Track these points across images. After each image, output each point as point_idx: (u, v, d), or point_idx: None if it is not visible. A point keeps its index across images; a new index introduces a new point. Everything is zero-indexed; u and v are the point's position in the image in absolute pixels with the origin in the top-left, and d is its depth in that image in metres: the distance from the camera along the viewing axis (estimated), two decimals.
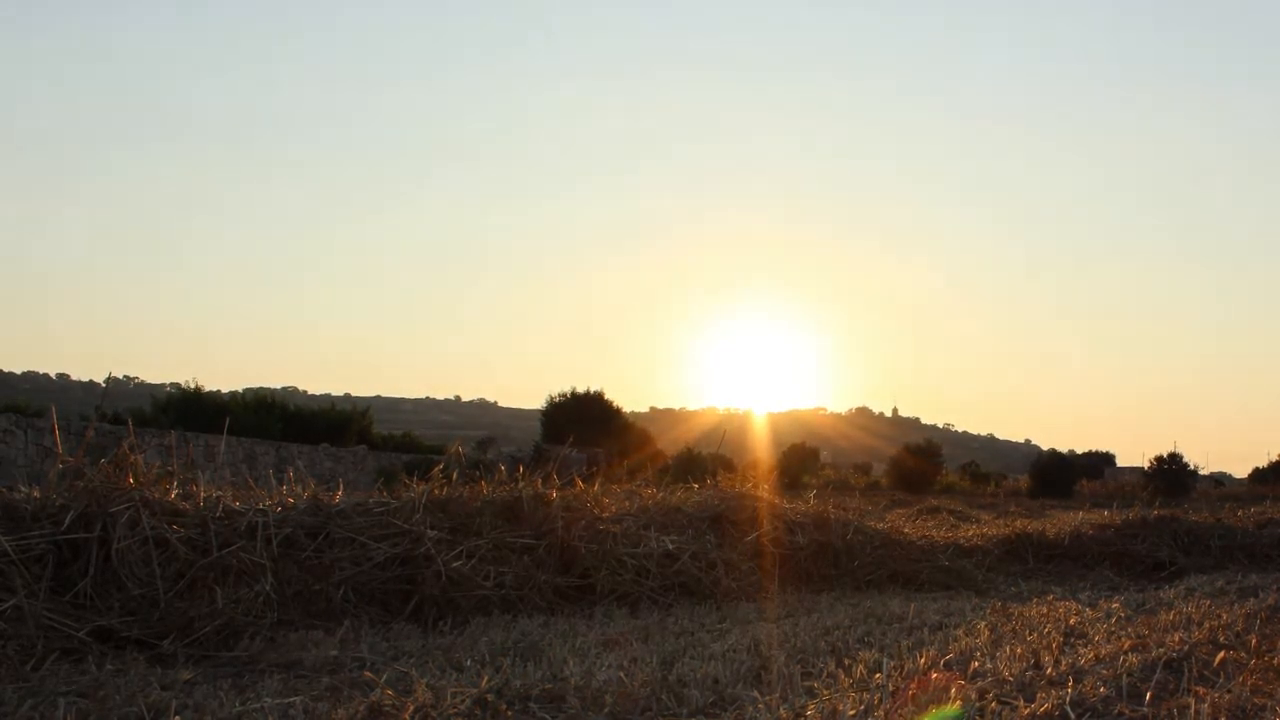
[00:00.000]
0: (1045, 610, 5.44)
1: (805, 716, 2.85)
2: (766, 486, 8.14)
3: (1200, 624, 4.58)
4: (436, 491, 6.09)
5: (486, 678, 3.40)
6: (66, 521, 4.52)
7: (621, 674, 3.45)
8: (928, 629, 4.70)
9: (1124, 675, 3.24)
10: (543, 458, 10.73)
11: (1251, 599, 5.82)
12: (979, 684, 3.13)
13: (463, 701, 3.08)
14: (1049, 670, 3.39)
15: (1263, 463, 51.49)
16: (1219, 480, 54.02)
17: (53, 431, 14.72)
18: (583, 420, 37.79)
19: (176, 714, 2.97)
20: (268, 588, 4.74)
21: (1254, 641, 4.04)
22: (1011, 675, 3.27)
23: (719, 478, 8.46)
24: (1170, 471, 41.44)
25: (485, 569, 5.55)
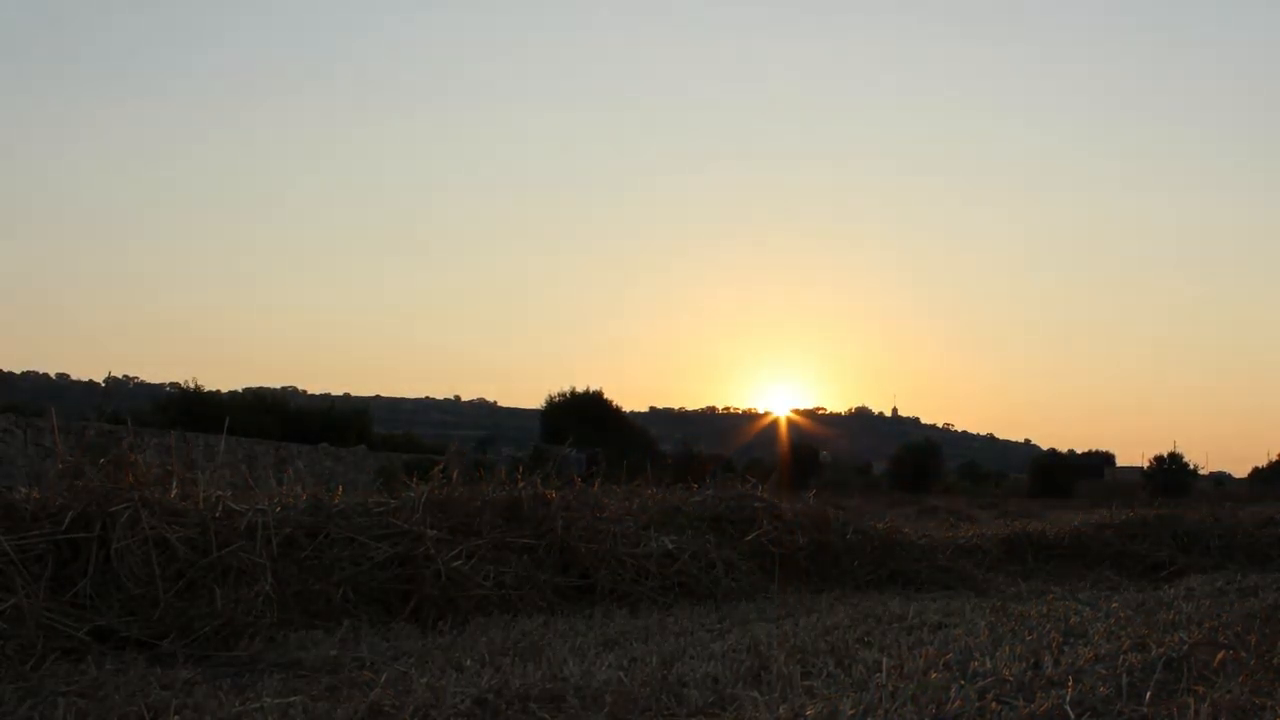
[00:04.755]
0: (1045, 610, 5.43)
1: (805, 716, 2.85)
2: (766, 486, 8.14)
3: (1200, 624, 4.58)
4: (436, 491, 6.09)
5: (486, 678, 3.40)
6: (66, 521, 4.51)
7: (621, 674, 3.44)
8: (928, 629, 4.70)
9: (1124, 675, 3.24)
10: (542, 458, 10.72)
11: (1251, 599, 5.82)
12: (979, 684, 3.13)
13: (462, 701, 3.08)
14: (1049, 670, 3.39)
15: (1263, 463, 51.56)
16: (1219, 480, 54.01)
17: (53, 431, 14.72)
18: (583, 420, 37.81)
19: (176, 714, 2.97)
20: (267, 588, 4.74)
21: (1254, 641, 4.04)
22: (1011, 675, 3.27)
23: (718, 478, 8.47)
24: (1170, 471, 41.49)
25: (485, 569, 5.55)
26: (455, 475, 6.48)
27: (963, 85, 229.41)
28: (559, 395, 42.31)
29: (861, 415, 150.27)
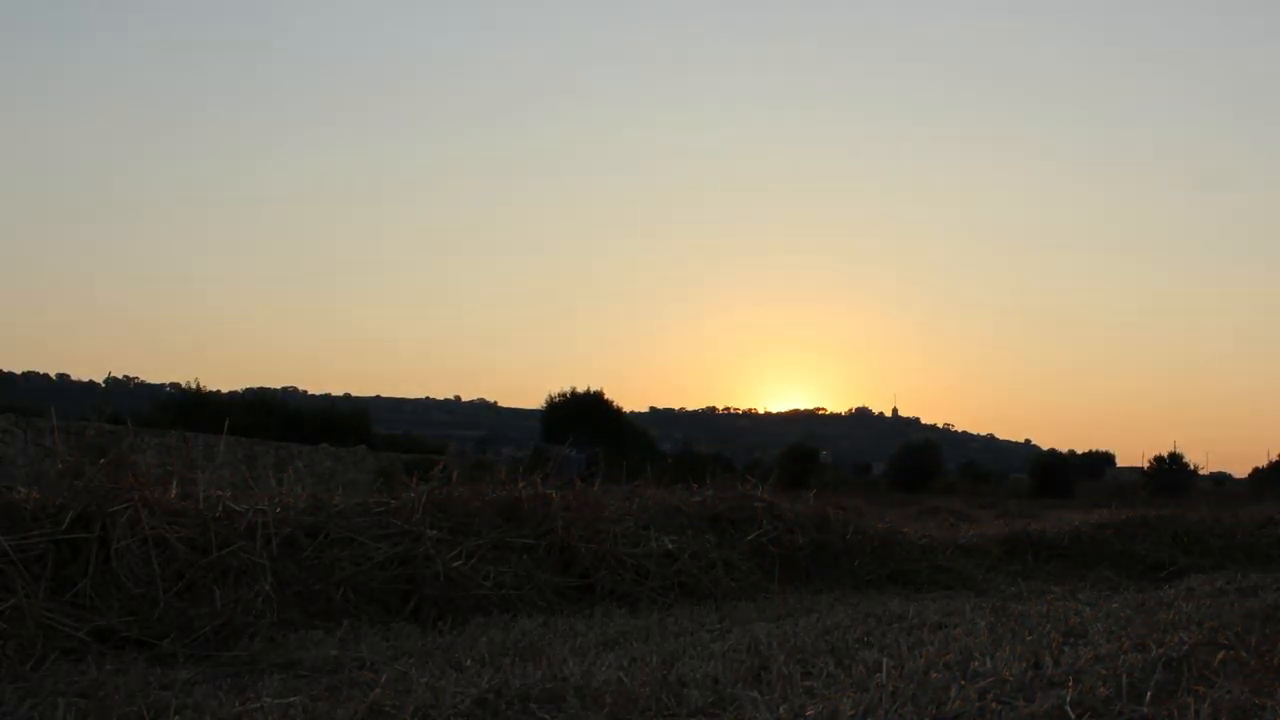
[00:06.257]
0: (1045, 610, 5.43)
1: (805, 716, 2.85)
2: (765, 487, 8.13)
3: (1200, 624, 4.58)
4: (436, 491, 6.09)
5: (486, 678, 3.40)
6: (66, 521, 4.52)
7: (621, 674, 3.45)
8: (928, 629, 4.70)
9: (1124, 675, 3.24)
10: (542, 458, 10.72)
11: (1251, 599, 5.82)
12: (979, 684, 3.13)
13: (463, 701, 3.08)
14: (1049, 670, 3.39)
15: (1263, 463, 51.42)
16: (1219, 480, 53.99)
17: (52, 431, 14.71)
18: (583, 420, 37.84)
19: (176, 714, 2.97)
20: (267, 588, 4.74)
21: (1254, 641, 4.04)
22: (1011, 675, 3.27)
23: (718, 478, 8.47)
24: (1170, 471, 41.48)
25: (485, 569, 5.55)
26: (455, 475, 6.49)
27: (961, 85, 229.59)
28: (559, 395, 42.35)
29: (861, 415, 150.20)
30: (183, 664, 3.88)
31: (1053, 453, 51.32)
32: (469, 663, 3.80)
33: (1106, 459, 61.20)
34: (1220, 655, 3.67)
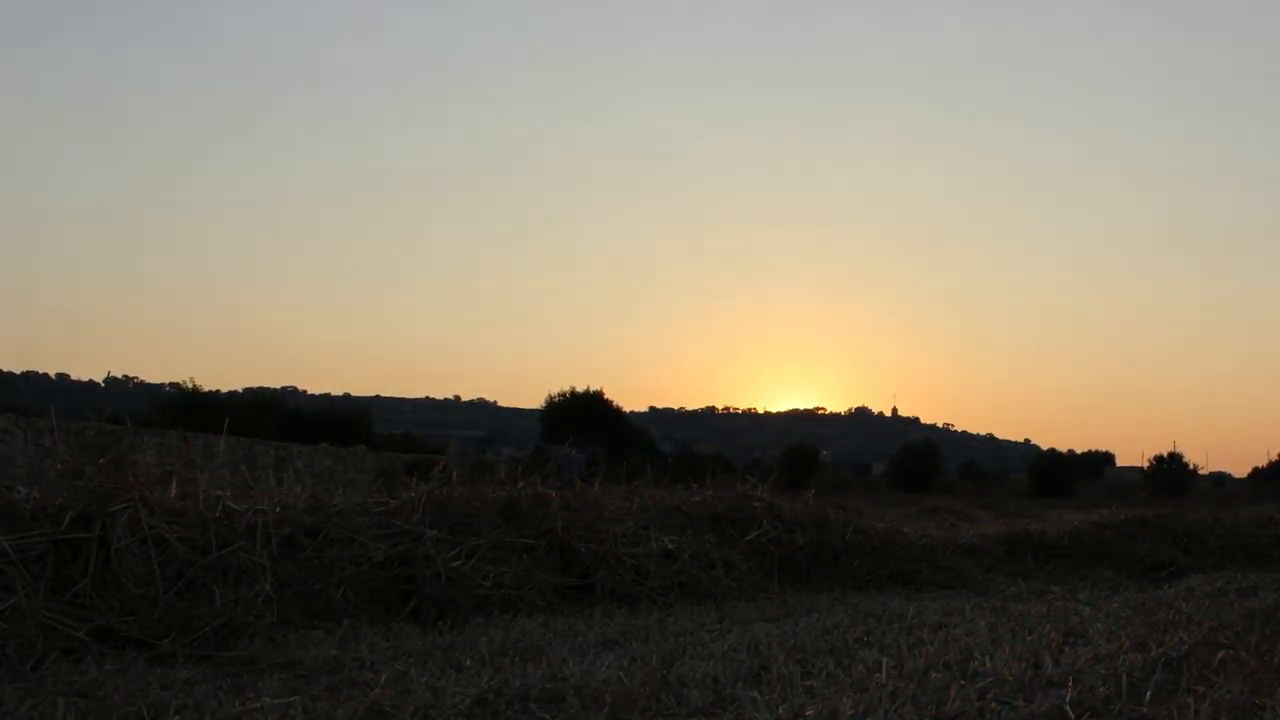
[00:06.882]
0: (1045, 610, 5.44)
1: (805, 716, 2.85)
2: (765, 486, 8.13)
3: (1200, 624, 4.58)
4: (436, 491, 6.09)
5: (486, 678, 3.40)
6: (66, 521, 4.52)
7: (621, 674, 3.45)
8: (927, 629, 4.70)
9: (1124, 675, 3.24)
10: (542, 458, 10.73)
11: (1251, 599, 5.82)
12: (979, 684, 3.13)
13: (462, 701, 3.08)
14: (1049, 670, 3.39)
15: (1263, 463, 51.37)
16: (1219, 480, 53.96)
17: (52, 431, 14.70)
18: (583, 420, 37.88)
19: (176, 714, 2.97)
20: (267, 587, 4.74)
21: (1254, 641, 4.04)
22: (1011, 675, 3.27)
23: (718, 478, 8.46)
24: (1170, 471, 41.49)
25: (485, 569, 5.55)
26: (455, 475, 6.49)
27: (959, 84, 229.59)
28: (559, 395, 42.37)
29: (861, 415, 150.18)
30: (183, 664, 3.88)
31: (1052, 452, 51.32)
32: (469, 663, 3.80)
33: (1106, 459, 61.18)
34: (1220, 655, 3.67)
